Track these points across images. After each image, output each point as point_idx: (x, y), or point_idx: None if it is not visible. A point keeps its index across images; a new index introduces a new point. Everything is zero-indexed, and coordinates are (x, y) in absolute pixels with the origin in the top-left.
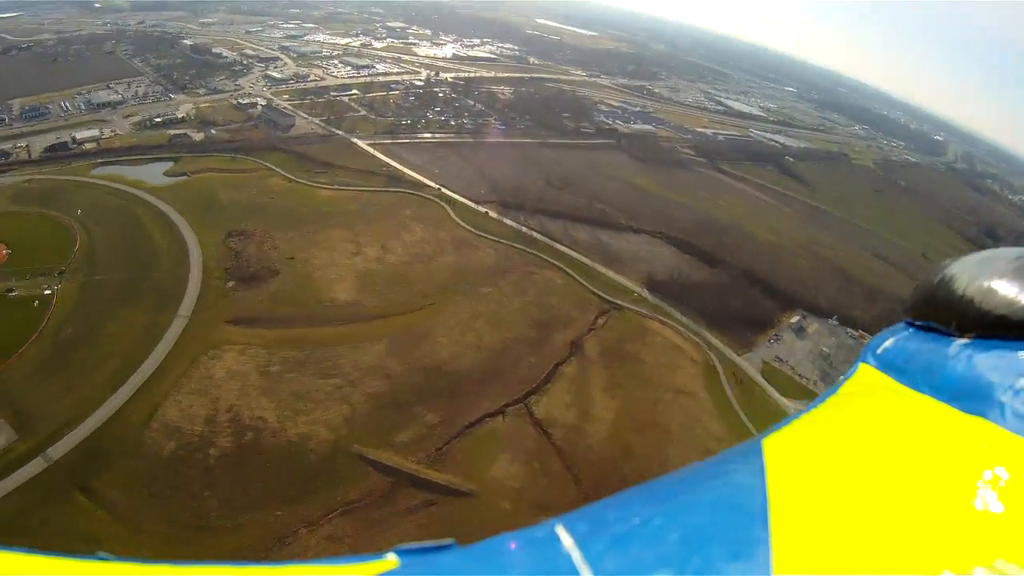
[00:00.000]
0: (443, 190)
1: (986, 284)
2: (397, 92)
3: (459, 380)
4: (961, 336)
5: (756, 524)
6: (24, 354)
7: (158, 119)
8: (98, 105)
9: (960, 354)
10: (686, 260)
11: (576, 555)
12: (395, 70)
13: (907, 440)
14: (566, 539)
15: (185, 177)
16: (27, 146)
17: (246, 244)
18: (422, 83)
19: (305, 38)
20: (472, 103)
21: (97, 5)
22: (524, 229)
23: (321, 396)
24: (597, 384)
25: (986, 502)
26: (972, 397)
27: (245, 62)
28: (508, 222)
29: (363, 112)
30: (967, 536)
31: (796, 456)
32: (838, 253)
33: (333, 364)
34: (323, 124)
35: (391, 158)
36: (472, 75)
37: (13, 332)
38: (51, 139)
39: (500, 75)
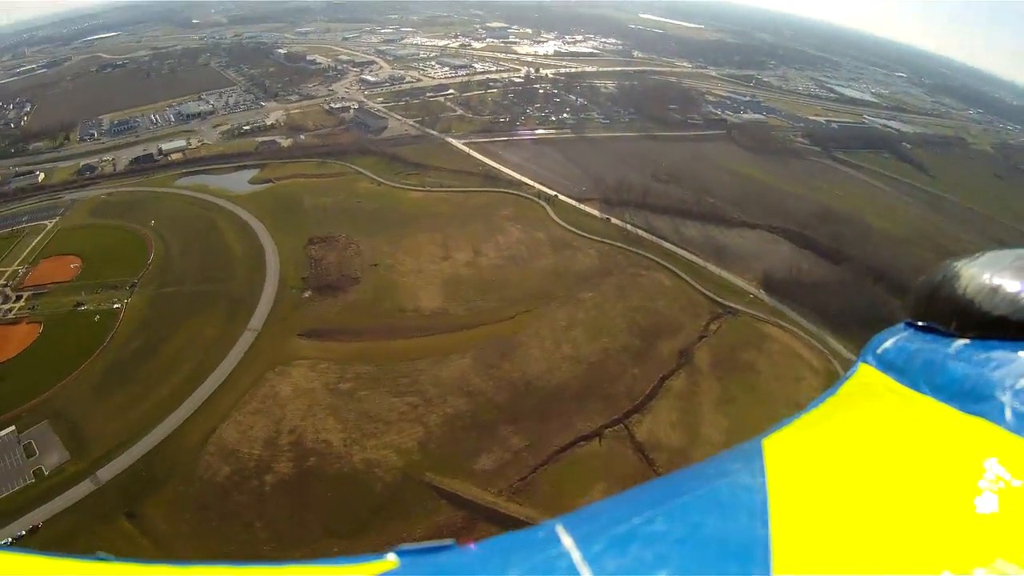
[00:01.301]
0: (542, 188)
1: (986, 285)
2: (495, 90)
3: (551, 397)
4: (961, 336)
5: (756, 524)
6: (86, 370)
7: (246, 127)
8: (187, 116)
9: (960, 354)
10: (804, 256)
11: (576, 555)
12: (494, 69)
13: (907, 440)
14: (566, 539)
15: (269, 184)
16: (113, 160)
17: (327, 251)
18: (522, 80)
19: (402, 41)
20: (574, 98)
21: (195, 21)
22: (628, 227)
23: (394, 416)
24: (708, 400)
25: (986, 502)
26: (972, 397)
27: (339, 67)
28: (612, 220)
29: (459, 111)
30: (967, 536)
31: (796, 456)
32: (963, 244)
33: (411, 380)
34: (417, 125)
35: (488, 157)
36: (574, 70)
37: (78, 347)
38: (138, 151)
39: (603, 69)
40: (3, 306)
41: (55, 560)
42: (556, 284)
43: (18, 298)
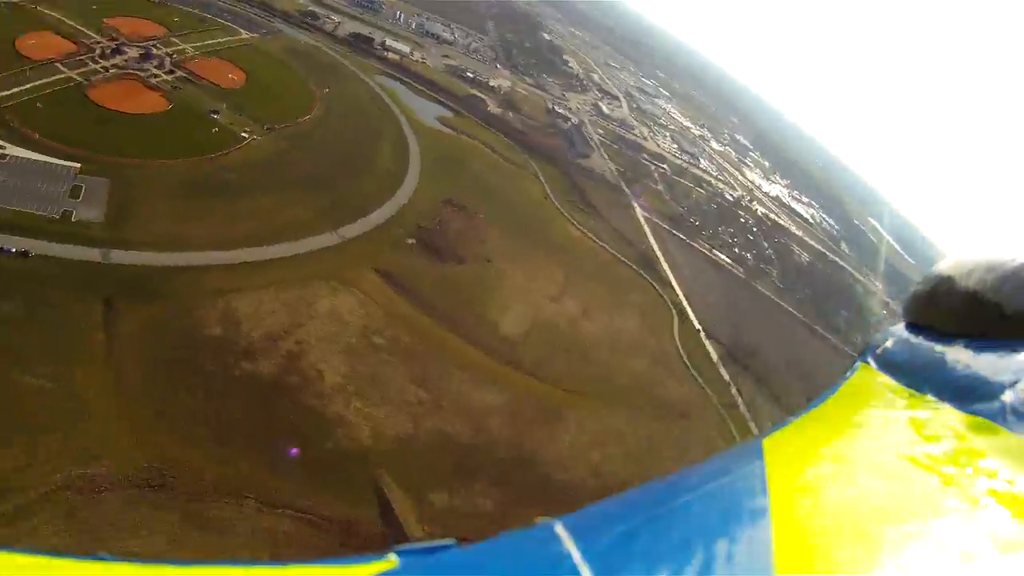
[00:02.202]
0: (684, 302)
1: (984, 285)
2: (702, 192)
3: (552, 487)
4: (960, 337)
5: (757, 523)
6: (176, 166)
7: (469, 74)
8: (427, 32)
9: (959, 354)
10: None
11: (576, 555)
12: (714, 173)
13: (907, 441)
14: (566, 539)
15: (453, 132)
16: (338, 23)
17: (457, 219)
18: (731, 200)
19: (654, 98)
20: (766, 247)
21: None
22: (733, 390)
23: (397, 399)
24: None
25: (986, 501)
26: (971, 397)
27: (585, 83)
28: (723, 373)
29: (660, 188)
30: (967, 535)
31: (796, 456)
32: None
33: (439, 383)
34: (616, 172)
35: (656, 242)
36: (782, 223)
37: (185, 144)
38: (363, 30)
39: (809, 241)
40: (155, 69)
41: (55, 560)
42: (634, 393)
43: (171, 72)
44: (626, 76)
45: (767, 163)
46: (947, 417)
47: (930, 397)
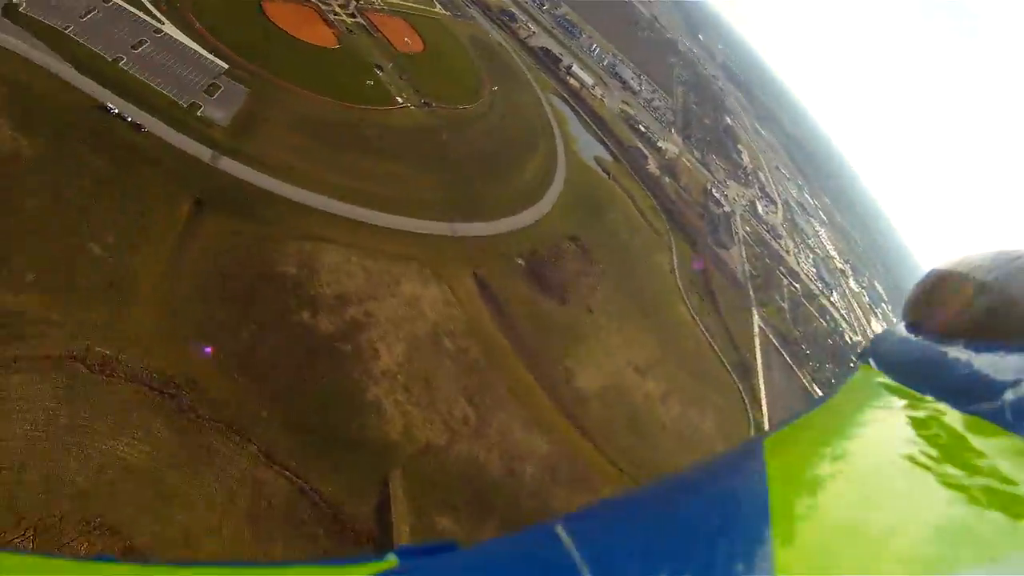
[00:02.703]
0: (766, 423)
1: (984, 286)
2: (824, 324)
3: None
4: (960, 337)
5: (758, 524)
6: (318, 101)
7: (642, 128)
8: (615, 73)
9: (961, 354)
10: None
11: (576, 555)
12: (842, 310)
13: (908, 440)
14: (566, 539)
15: (604, 175)
16: (533, 33)
17: (575, 258)
18: (849, 342)
19: (810, 217)
20: None
21: (700, 37)
22: None
23: (443, 407)
24: None
25: (987, 501)
26: (973, 397)
27: (750, 178)
28: None
29: (784, 305)
30: (968, 535)
31: (797, 456)
32: None
33: (491, 408)
34: (748, 274)
35: (762, 356)
36: None
37: (340, 87)
38: (554, 48)
39: None
40: (338, 6)
41: (55, 560)
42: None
43: (352, 15)
44: (791, 186)
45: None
46: (947, 417)
47: (930, 397)
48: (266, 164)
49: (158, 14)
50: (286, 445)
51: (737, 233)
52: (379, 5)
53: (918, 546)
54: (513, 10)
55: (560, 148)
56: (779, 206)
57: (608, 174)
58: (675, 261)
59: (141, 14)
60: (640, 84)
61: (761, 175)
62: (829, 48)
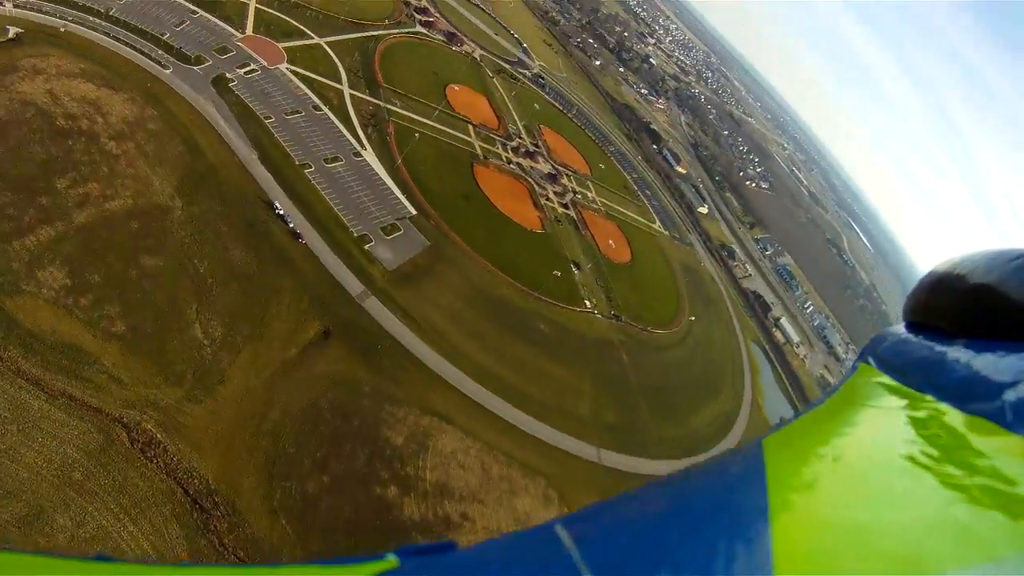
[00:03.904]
0: None
1: (986, 283)
2: None
3: None
4: (962, 336)
5: (757, 524)
6: (494, 277)
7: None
8: (823, 336)
9: (961, 354)
10: None
11: (576, 555)
12: None
13: (908, 440)
14: (566, 539)
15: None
16: (748, 275)
17: None
18: None
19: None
20: None
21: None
22: None
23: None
24: None
25: (987, 501)
26: (973, 397)
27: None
28: None
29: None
30: (969, 536)
31: (796, 456)
32: None
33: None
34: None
35: None
36: None
37: (523, 266)
38: (768, 296)
39: None
40: (552, 192)
41: (55, 560)
42: None
43: (564, 205)
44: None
45: None
46: (947, 417)
47: (930, 397)
48: (415, 320)
49: (363, 137)
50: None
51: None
52: (597, 205)
53: (918, 546)
54: (734, 247)
55: (746, 400)
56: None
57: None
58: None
59: (346, 131)
60: (847, 352)
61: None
62: None
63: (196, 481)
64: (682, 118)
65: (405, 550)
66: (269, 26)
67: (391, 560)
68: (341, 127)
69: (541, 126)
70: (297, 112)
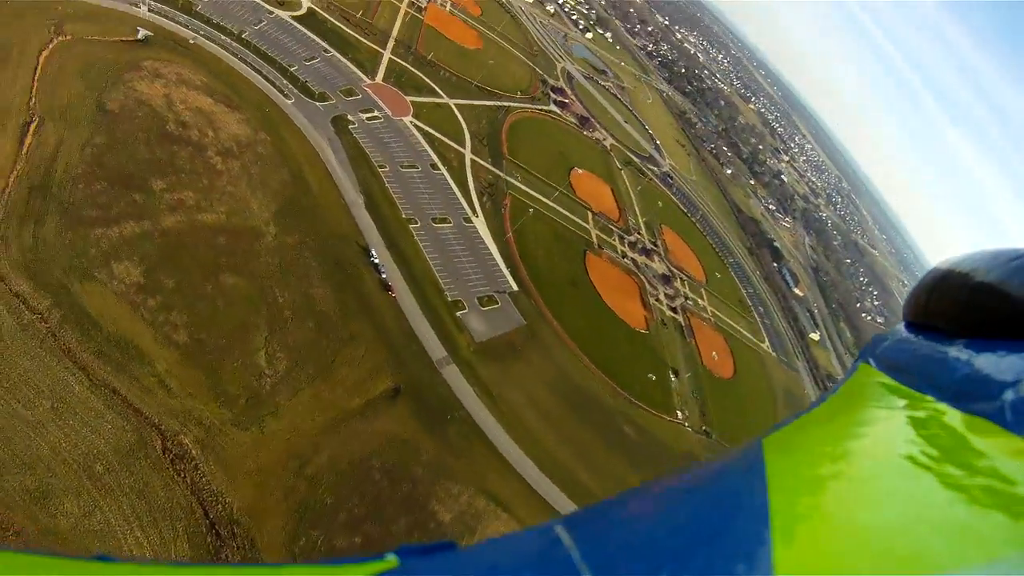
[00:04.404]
0: None
1: (986, 283)
2: None
3: None
4: (962, 336)
5: (757, 524)
6: (585, 369)
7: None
8: None
9: (961, 354)
10: None
11: (576, 555)
12: None
13: (908, 440)
14: (566, 539)
15: None
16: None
17: None
18: None
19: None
20: None
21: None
22: None
23: None
24: None
25: (987, 501)
26: (973, 397)
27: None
28: None
29: None
30: (969, 535)
31: (797, 456)
32: None
33: None
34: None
35: None
36: None
37: (617, 364)
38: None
39: None
40: (663, 293)
41: (55, 560)
42: None
43: (673, 309)
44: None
45: None
46: (947, 417)
47: (930, 397)
48: (493, 397)
49: (477, 204)
50: None
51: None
52: (707, 315)
53: (918, 546)
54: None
55: None
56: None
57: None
58: None
59: (460, 195)
60: None
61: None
62: None
63: (220, 506)
64: (806, 239)
65: (405, 550)
66: (400, 77)
67: (391, 560)
68: (456, 190)
69: (662, 225)
70: (413, 166)
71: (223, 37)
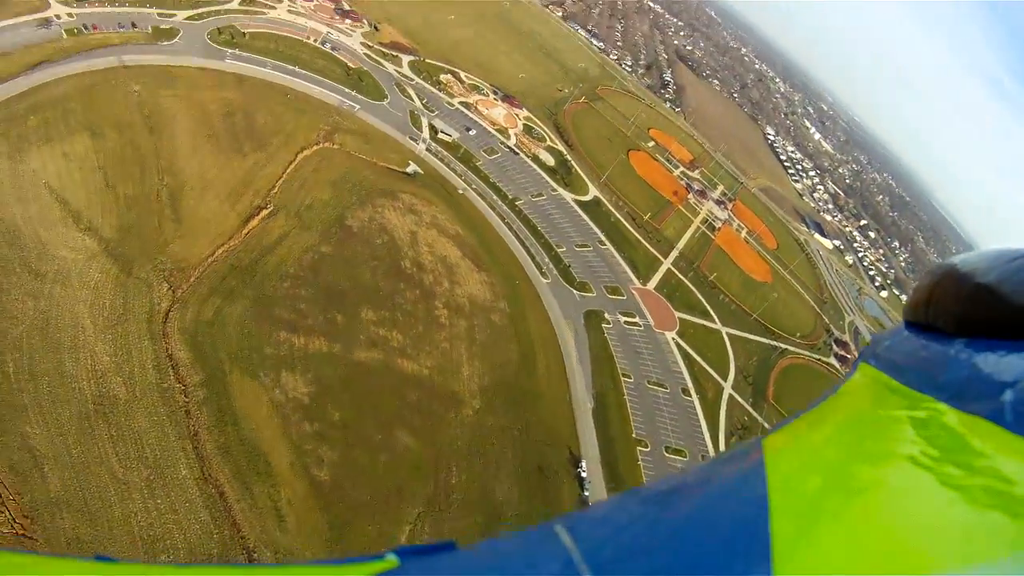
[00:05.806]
0: None
1: (987, 283)
2: None
3: None
4: (962, 336)
5: (757, 524)
6: None
7: None
8: None
9: (961, 354)
10: None
11: (576, 555)
12: None
13: (908, 440)
14: (566, 539)
15: None
16: None
17: None
18: None
19: None
20: None
21: None
22: None
23: None
24: None
25: (987, 501)
26: (973, 397)
27: None
28: None
29: None
30: (969, 535)
31: (796, 456)
32: None
33: None
34: None
35: None
36: None
37: None
38: None
39: None
40: None
41: (55, 560)
42: None
43: None
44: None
45: None
46: (947, 417)
47: (930, 397)
48: None
49: (723, 445)
50: None
51: None
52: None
53: (918, 546)
54: None
55: None
56: None
57: None
58: None
59: (705, 427)
60: None
61: None
62: None
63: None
64: None
65: (405, 550)
66: (674, 291)
67: (391, 560)
68: (703, 422)
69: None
70: (661, 386)
71: (494, 197)
